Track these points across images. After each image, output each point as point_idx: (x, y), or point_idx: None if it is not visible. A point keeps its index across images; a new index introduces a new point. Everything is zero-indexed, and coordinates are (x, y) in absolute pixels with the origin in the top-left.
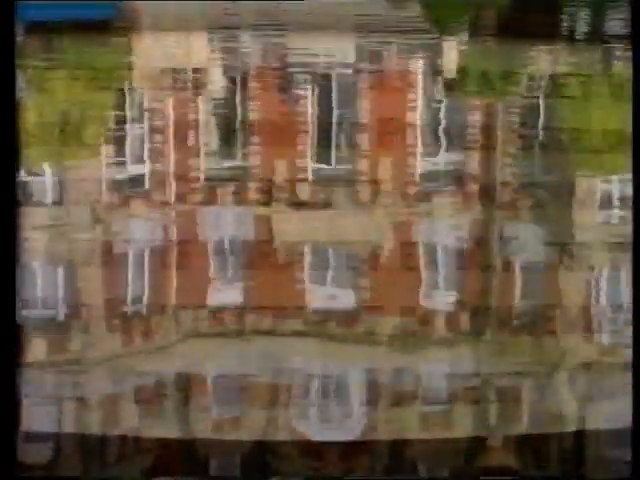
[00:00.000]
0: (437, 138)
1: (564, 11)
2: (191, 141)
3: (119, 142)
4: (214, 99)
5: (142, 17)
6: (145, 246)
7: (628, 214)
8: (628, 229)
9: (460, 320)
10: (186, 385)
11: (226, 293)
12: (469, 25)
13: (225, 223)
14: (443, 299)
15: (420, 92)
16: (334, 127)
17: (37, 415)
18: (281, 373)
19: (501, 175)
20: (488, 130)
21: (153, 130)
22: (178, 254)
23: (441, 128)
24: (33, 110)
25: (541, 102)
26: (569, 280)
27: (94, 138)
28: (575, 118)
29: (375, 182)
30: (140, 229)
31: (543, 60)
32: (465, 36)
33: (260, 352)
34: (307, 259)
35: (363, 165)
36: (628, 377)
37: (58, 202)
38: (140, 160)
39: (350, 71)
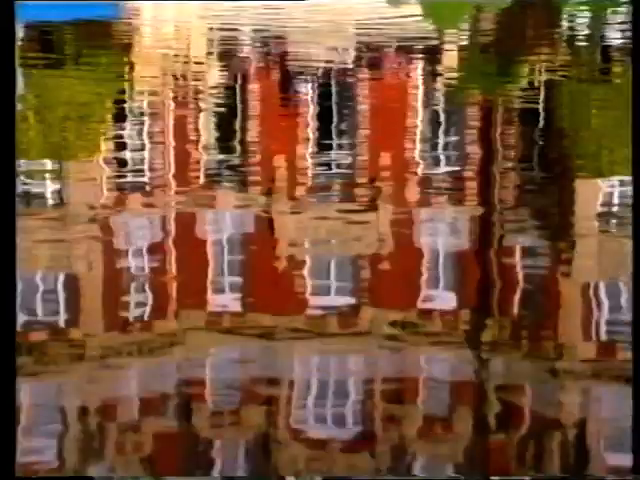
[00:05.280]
0: (437, 139)
1: (564, 13)
2: (191, 139)
3: (119, 142)
4: (214, 97)
5: (142, 17)
6: (145, 245)
7: (628, 215)
8: (628, 230)
9: (460, 321)
10: (187, 385)
11: (226, 292)
12: (469, 26)
13: (225, 221)
14: (443, 300)
15: (420, 92)
16: (334, 126)
17: (38, 418)
18: (280, 373)
19: (500, 177)
20: (487, 130)
21: (153, 129)
22: (178, 254)
23: (441, 128)
24: (33, 110)
25: (540, 102)
26: (569, 281)
27: (94, 138)
28: (574, 119)
29: (375, 182)
30: (140, 228)
31: (542, 61)
32: (465, 37)
33: (259, 351)
34: (307, 258)
35: (363, 165)
36: (628, 378)
37: (58, 202)
38: (140, 159)
39: (350, 70)
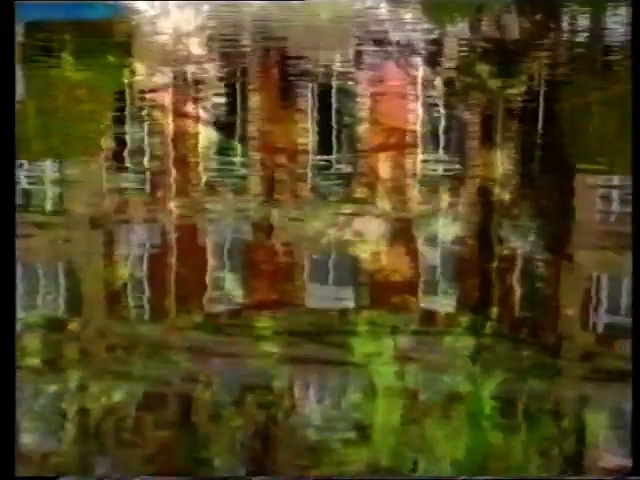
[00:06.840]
0: (436, 138)
1: (564, 12)
2: (191, 141)
3: (119, 143)
4: (214, 99)
5: (142, 17)
6: (145, 248)
7: (628, 215)
8: (628, 229)
9: (459, 320)
10: (187, 386)
11: (226, 294)
12: (469, 26)
13: (225, 224)
14: (443, 299)
15: (420, 92)
16: (334, 127)
17: (37, 416)
18: (279, 373)
19: (500, 175)
20: (487, 130)
21: (153, 131)
22: (178, 255)
23: (440, 128)
24: (33, 110)
25: (540, 103)
26: (569, 280)
27: (94, 139)
28: (574, 119)
29: (374, 182)
30: (140, 231)
31: (543, 60)
32: (465, 37)
33: (259, 352)
34: (307, 259)
35: (363, 165)
36: (627, 378)
37: (58, 204)
38: (140, 161)
39: (350, 71)
